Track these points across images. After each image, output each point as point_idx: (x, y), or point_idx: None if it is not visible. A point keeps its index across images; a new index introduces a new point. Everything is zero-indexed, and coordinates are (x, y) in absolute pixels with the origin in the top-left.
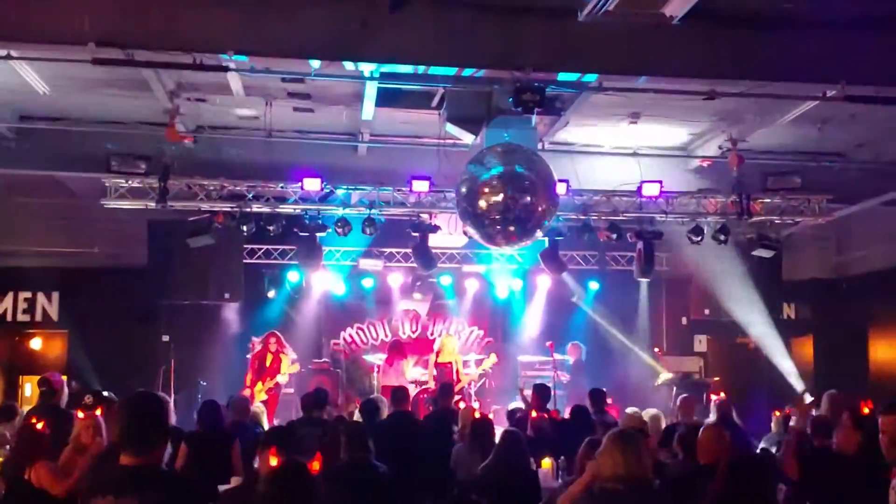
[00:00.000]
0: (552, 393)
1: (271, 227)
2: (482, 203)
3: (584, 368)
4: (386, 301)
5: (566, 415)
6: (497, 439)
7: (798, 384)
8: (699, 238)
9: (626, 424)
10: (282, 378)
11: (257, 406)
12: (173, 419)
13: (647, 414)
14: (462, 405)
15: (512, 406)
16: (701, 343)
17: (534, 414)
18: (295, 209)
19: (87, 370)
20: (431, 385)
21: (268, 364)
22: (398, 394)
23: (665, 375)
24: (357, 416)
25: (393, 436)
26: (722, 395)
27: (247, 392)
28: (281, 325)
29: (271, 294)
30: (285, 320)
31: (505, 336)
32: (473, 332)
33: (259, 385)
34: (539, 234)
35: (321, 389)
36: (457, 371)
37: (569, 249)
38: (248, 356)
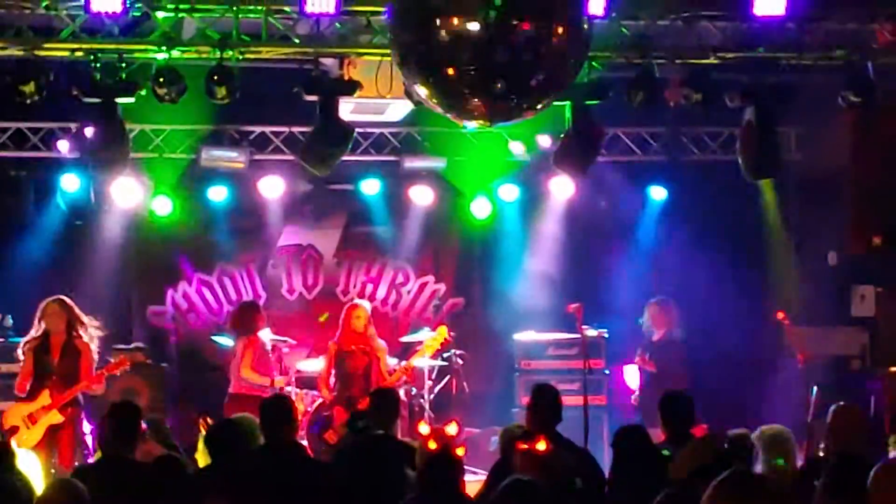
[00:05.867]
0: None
1: (27, 88)
2: (443, 34)
3: (683, 354)
4: (254, 229)
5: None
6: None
7: None
8: (862, 97)
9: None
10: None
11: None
12: None
13: (762, 437)
14: (424, 429)
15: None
16: (865, 301)
17: (540, 446)
18: (73, 50)
19: None
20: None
21: (56, 361)
22: (273, 408)
23: None
24: (202, 453)
25: (267, 494)
26: None
27: (14, 417)
28: (49, 278)
29: (28, 218)
30: (56, 270)
31: (487, 294)
32: (427, 288)
33: (43, 397)
34: (552, 97)
35: (129, 403)
36: (377, 368)
37: (612, 124)
38: (21, 346)
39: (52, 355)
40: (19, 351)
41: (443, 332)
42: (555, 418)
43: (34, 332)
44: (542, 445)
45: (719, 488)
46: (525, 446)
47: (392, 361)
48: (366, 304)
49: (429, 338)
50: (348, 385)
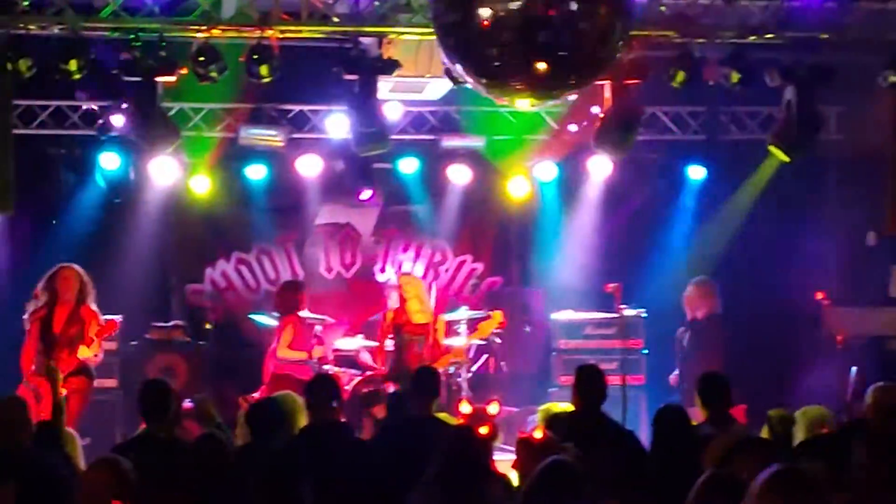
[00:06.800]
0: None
1: (70, 66)
2: (482, 13)
3: (723, 335)
4: (293, 208)
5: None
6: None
7: None
8: None
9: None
10: (87, 352)
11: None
12: None
13: (803, 417)
14: (465, 408)
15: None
16: None
17: (538, 434)
18: (114, 29)
19: None
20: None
21: (59, 330)
22: (317, 387)
23: None
24: (242, 432)
25: (310, 470)
26: None
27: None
28: (88, 256)
29: (67, 196)
30: (95, 248)
31: (525, 274)
32: (465, 267)
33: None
34: (596, 75)
35: (158, 381)
36: (435, 340)
37: (651, 103)
38: (27, 317)
39: (55, 325)
40: (26, 321)
41: (497, 317)
42: (600, 398)
43: (40, 300)
44: (538, 433)
45: (770, 483)
46: (524, 435)
47: None
48: (419, 281)
49: (483, 322)
50: (403, 357)
